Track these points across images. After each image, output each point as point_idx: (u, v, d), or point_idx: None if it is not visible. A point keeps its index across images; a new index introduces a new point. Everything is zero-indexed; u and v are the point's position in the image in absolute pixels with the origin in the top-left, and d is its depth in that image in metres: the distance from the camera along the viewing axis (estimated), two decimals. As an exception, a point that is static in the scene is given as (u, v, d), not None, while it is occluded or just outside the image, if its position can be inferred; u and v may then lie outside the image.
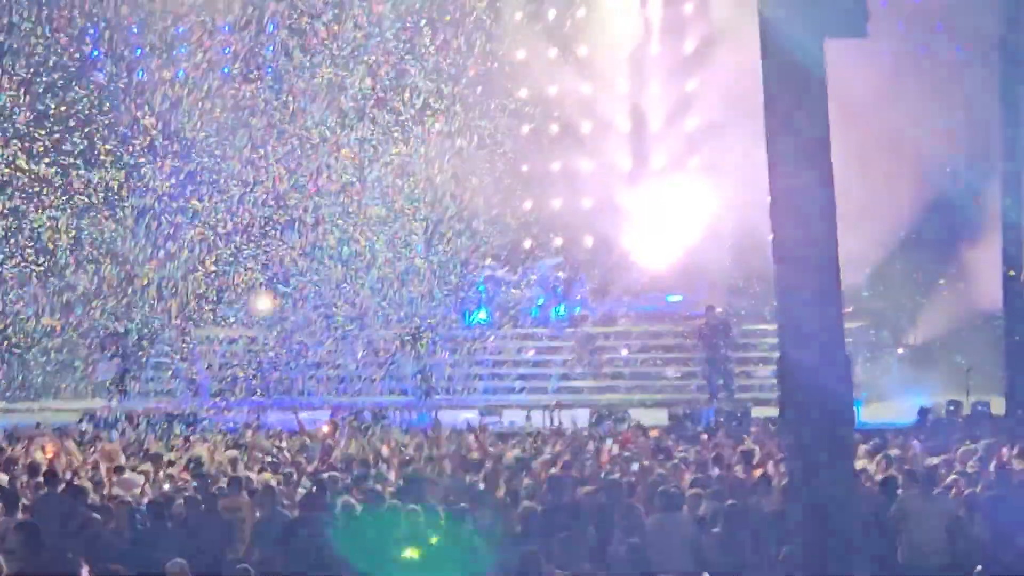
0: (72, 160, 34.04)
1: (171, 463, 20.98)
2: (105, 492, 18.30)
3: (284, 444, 23.69)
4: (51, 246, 33.89)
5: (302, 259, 34.70)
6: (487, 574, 15.34)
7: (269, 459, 21.52)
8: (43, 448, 21.94)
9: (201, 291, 34.23)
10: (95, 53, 34.70)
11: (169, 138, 34.26)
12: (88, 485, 17.85)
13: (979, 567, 15.75)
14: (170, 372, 34.06)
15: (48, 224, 33.74)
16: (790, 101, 11.87)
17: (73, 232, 34.06)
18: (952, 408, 27.67)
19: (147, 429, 29.00)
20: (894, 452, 20.34)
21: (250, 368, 34.05)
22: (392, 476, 19.64)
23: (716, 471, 19.38)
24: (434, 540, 16.02)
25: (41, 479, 18.48)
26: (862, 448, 20.51)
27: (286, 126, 34.71)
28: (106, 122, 34.46)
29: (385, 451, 21.96)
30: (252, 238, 34.56)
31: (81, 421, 30.37)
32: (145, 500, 17.69)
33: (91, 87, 34.58)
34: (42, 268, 33.98)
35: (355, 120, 34.91)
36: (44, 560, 14.57)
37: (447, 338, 34.41)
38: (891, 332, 34.09)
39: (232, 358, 34.45)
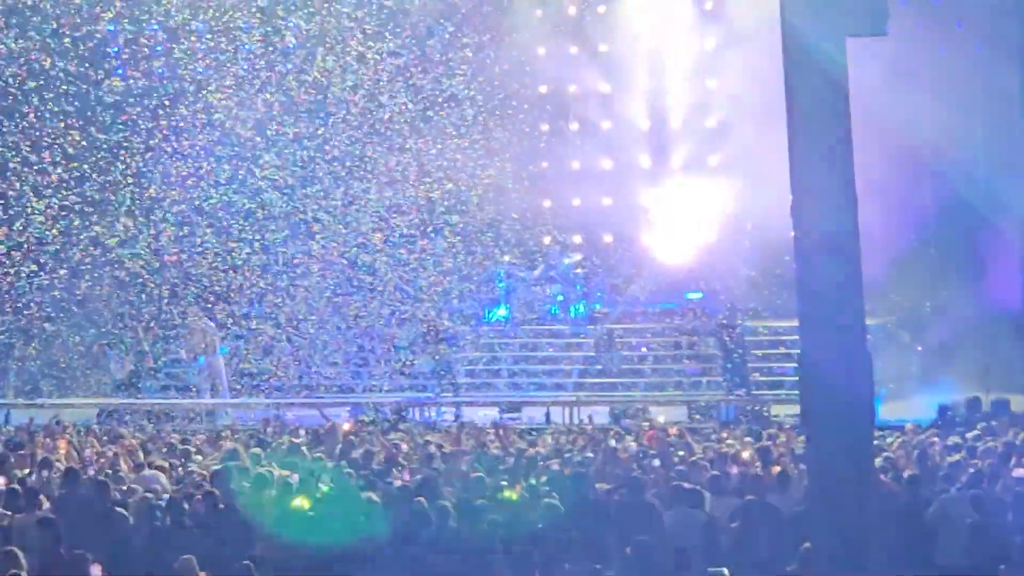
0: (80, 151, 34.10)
1: (190, 459, 21.02)
2: (124, 488, 18.33)
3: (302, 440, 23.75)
4: (57, 236, 33.98)
5: (319, 257, 34.79)
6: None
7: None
8: (61, 444, 21.98)
9: (216, 288, 34.39)
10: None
11: (180, 133, 34.44)
12: (109, 482, 17.86)
13: (1002, 567, 15.71)
14: (187, 369, 34.11)
15: (52, 216, 33.81)
16: (811, 99, 11.86)
17: (82, 227, 34.14)
18: (972, 405, 27.61)
19: (165, 425, 29.25)
20: (915, 450, 20.33)
21: (270, 364, 34.12)
22: (407, 475, 19.64)
23: (734, 469, 19.38)
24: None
25: (62, 475, 18.52)
26: (882, 445, 20.51)
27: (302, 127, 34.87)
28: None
29: (405, 448, 21.98)
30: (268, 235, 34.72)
31: (100, 416, 30.53)
32: (165, 497, 17.73)
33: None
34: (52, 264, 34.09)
35: (373, 116, 35.02)
36: (63, 557, 14.64)
37: (467, 335, 34.46)
38: (911, 329, 34.01)
39: (252, 354, 34.51)
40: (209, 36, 34.50)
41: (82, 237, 34.15)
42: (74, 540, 15.23)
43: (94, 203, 34.18)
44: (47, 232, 33.75)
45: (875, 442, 16.28)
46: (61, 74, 33.63)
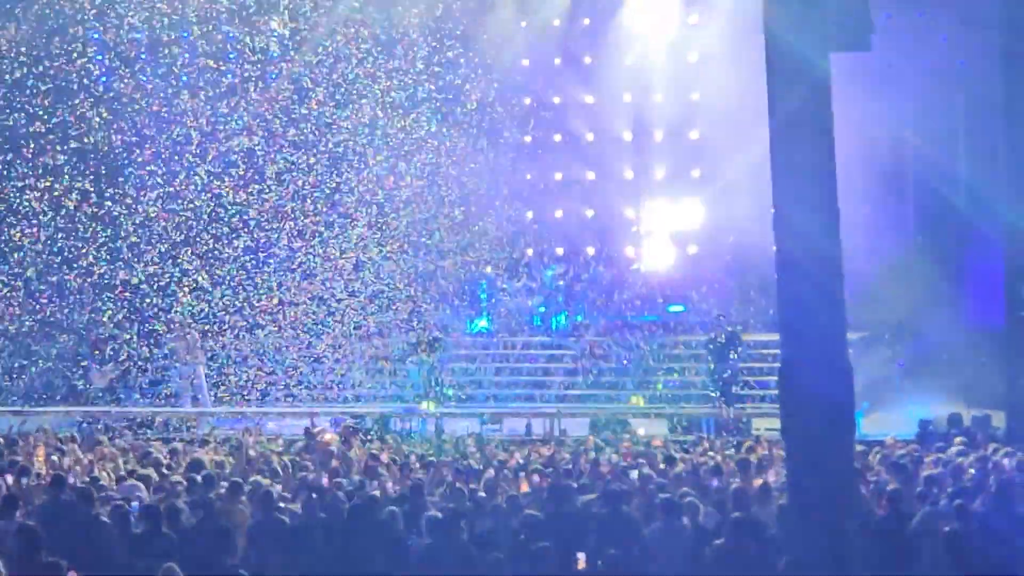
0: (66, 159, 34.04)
1: (171, 468, 20.94)
2: (105, 496, 18.25)
3: (280, 448, 23.75)
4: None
5: (304, 266, 34.74)
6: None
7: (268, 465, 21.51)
8: (42, 452, 21.91)
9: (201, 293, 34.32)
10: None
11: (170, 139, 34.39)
12: (91, 491, 17.79)
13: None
14: (169, 376, 34.02)
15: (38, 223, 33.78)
16: (795, 113, 11.89)
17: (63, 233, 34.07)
18: (953, 421, 27.63)
19: (145, 433, 29.18)
20: (896, 464, 20.33)
21: (252, 373, 34.05)
22: (390, 485, 19.61)
23: (715, 481, 19.36)
24: None
25: (44, 483, 18.45)
26: (864, 458, 20.53)
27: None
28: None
29: (385, 458, 21.94)
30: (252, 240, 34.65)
31: (81, 425, 30.41)
32: (143, 505, 17.66)
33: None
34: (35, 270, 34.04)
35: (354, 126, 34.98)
36: (42, 565, 14.56)
37: (449, 346, 34.40)
38: (892, 344, 34.03)
39: (235, 362, 34.42)
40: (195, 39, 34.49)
41: (66, 245, 34.06)
42: (54, 548, 15.15)
43: (75, 211, 34.09)
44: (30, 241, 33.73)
45: (856, 456, 16.29)
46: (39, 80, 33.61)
